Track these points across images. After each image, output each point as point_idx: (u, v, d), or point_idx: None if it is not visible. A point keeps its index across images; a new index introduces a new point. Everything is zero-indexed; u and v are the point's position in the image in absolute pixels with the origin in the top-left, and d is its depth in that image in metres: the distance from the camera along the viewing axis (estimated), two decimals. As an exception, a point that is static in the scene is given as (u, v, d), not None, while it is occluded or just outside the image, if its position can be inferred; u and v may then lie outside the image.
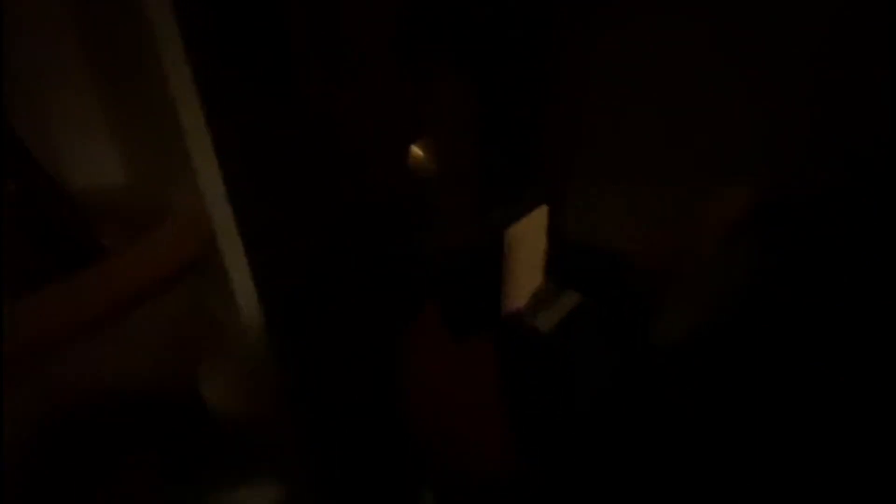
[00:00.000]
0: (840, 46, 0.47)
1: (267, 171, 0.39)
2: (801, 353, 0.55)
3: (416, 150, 0.42)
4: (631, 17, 0.53)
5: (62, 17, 0.40)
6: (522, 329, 0.48)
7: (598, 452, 0.48)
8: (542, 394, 0.49)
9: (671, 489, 0.47)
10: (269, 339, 0.42)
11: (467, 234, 0.44)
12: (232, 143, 0.37)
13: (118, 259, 0.26)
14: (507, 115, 0.49)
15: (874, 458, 0.46)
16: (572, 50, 0.54)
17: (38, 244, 0.29)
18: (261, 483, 0.51)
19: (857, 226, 0.50)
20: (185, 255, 0.30)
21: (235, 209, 0.39)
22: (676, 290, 0.60)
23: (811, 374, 0.54)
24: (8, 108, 0.32)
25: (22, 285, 0.27)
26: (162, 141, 0.37)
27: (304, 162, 0.39)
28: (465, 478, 0.35)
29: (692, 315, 0.62)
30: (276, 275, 0.41)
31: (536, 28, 0.52)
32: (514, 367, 0.50)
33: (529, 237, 0.47)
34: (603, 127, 0.61)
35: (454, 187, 0.46)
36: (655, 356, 0.55)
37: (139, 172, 0.39)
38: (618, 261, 0.59)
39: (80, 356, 0.28)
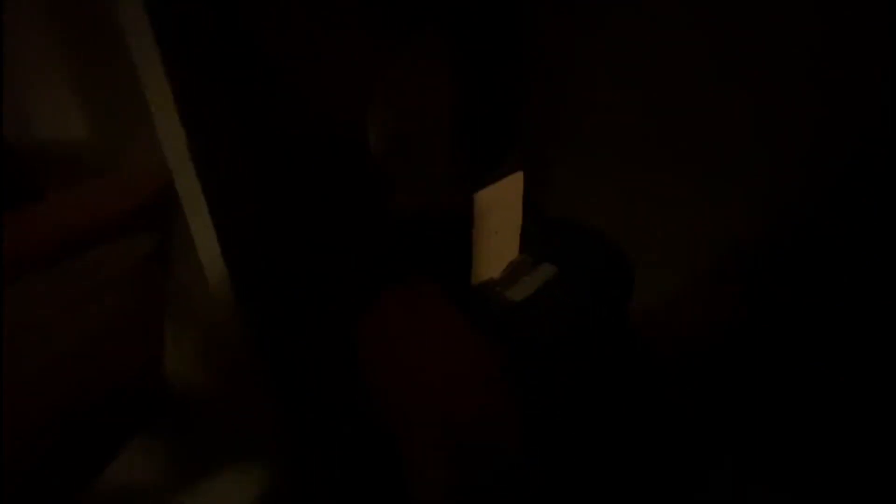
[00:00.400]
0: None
1: (231, 125, 0.38)
2: (789, 326, 0.55)
3: (375, 117, 0.42)
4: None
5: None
6: (493, 299, 0.48)
7: (575, 428, 0.48)
8: (514, 365, 0.49)
9: (652, 469, 0.47)
10: (236, 301, 0.42)
11: (436, 199, 0.44)
12: (194, 96, 0.36)
13: (55, 200, 0.25)
14: (485, 68, 0.48)
15: (869, 457, 0.45)
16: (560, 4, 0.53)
17: None
18: (237, 467, 0.50)
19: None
20: (134, 203, 0.29)
21: (198, 166, 0.38)
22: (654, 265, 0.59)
23: (803, 349, 0.53)
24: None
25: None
26: (119, 94, 0.36)
27: (269, 115, 0.38)
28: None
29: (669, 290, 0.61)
30: (240, 234, 0.40)
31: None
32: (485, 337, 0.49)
33: (502, 204, 0.46)
34: (592, 89, 0.61)
35: (423, 149, 0.45)
36: (633, 331, 0.55)
37: (94, 125, 0.38)
38: (597, 235, 0.58)
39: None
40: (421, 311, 0.37)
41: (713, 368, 0.58)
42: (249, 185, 0.40)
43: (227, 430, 0.49)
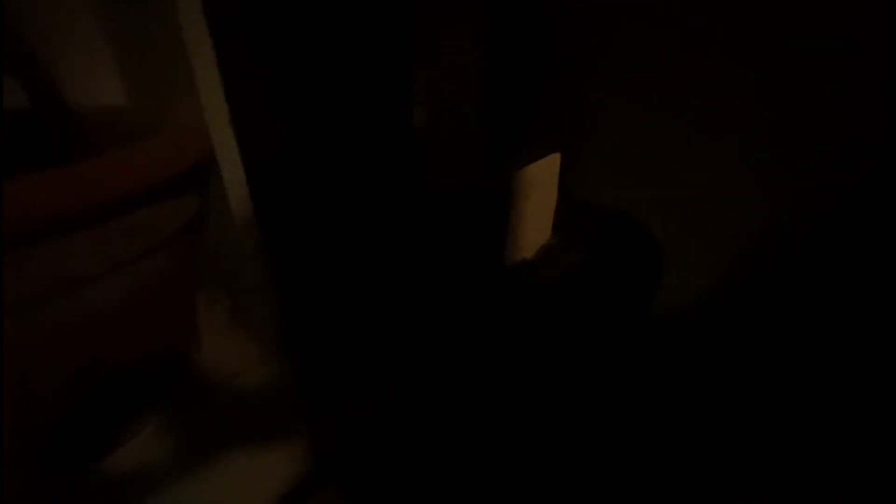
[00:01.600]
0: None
1: (268, 96, 0.38)
2: (809, 319, 0.54)
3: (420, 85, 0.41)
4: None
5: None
6: (527, 280, 0.47)
7: (600, 409, 0.47)
8: (543, 346, 0.48)
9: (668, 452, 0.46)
10: (269, 270, 0.42)
11: (474, 176, 0.43)
12: (236, 65, 0.36)
13: (105, 159, 0.25)
14: (522, 51, 0.47)
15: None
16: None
17: (37, 150, 0.28)
18: (262, 447, 0.50)
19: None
20: (179, 166, 0.29)
21: (238, 133, 0.38)
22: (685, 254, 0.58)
23: (821, 342, 0.52)
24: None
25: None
26: (166, 62, 0.36)
27: (307, 88, 0.38)
28: None
29: (700, 279, 0.60)
30: (276, 204, 0.40)
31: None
32: (517, 320, 0.49)
33: (539, 185, 0.45)
34: (626, 78, 0.59)
35: (461, 125, 0.44)
36: (660, 318, 0.54)
37: (141, 93, 0.39)
38: (628, 221, 0.57)
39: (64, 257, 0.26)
40: None
41: (718, 334, 0.57)
42: (286, 155, 0.40)
43: (251, 409, 0.49)
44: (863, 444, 0.48)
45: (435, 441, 0.47)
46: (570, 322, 0.48)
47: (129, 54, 0.40)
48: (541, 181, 0.47)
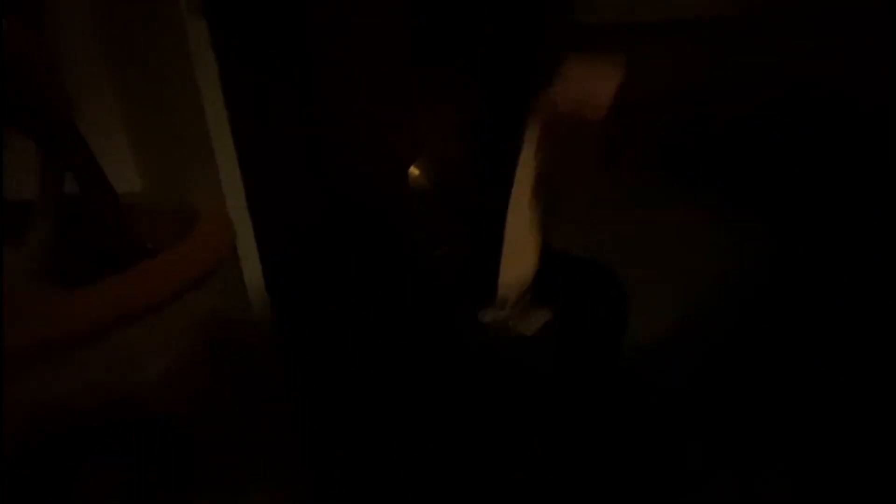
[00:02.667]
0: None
1: (281, 178, 0.43)
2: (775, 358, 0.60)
3: (413, 169, 0.47)
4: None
5: (91, 25, 0.44)
6: (507, 333, 0.53)
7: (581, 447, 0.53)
8: (526, 394, 0.54)
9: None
10: (277, 336, 0.46)
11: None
12: (252, 151, 0.41)
13: (166, 257, 0.30)
14: (502, 132, 0.54)
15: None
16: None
17: (93, 240, 0.33)
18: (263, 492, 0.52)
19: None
20: (217, 255, 0.34)
21: (252, 213, 0.43)
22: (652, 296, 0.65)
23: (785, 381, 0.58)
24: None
25: (73, 280, 0.31)
26: (186, 147, 0.42)
27: (315, 171, 0.44)
28: None
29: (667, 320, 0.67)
30: (285, 274, 0.45)
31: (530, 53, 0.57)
32: (502, 369, 0.54)
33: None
34: None
35: (449, 201, 0.50)
36: (631, 360, 0.60)
37: (166, 176, 0.43)
38: (597, 269, 0.64)
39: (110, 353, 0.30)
40: None
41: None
42: (296, 230, 0.45)
43: (256, 461, 0.52)
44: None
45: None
46: (544, 367, 0.54)
47: (151, 136, 0.45)
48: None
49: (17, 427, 0.27)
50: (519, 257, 0.53)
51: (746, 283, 0.65)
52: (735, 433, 0.57)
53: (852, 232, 0.56)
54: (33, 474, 0.30)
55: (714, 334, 0.67)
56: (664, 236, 0.68)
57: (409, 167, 0.44)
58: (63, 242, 0.33)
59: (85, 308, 0.27)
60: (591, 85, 0.44)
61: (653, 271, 0.70)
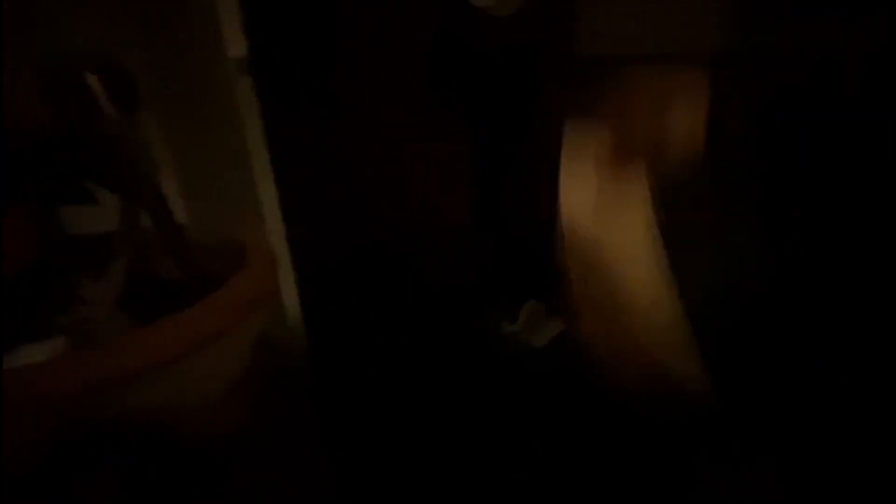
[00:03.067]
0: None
1: (318, 212, 0.49)
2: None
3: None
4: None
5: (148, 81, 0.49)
6: (519, 345, 0.58)
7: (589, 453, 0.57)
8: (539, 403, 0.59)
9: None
10: (311, 357, 0.51)
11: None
12: (291, 189, 0.47)
13: (227, 290, 0.35)
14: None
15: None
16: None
17: (162, 271, 0.38)
18: None
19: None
20: (266, 286, 0.39)
21: (291, 244, 0.48)
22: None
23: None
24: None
25: (144, 308, 0.36)
26: (232, 183, 0.47)
27: (348, 206, 0.49)
28: None
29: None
30: (321, 302, 0.50)
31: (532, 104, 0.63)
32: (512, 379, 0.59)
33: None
34: None
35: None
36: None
37: (211, 214, 0.48)
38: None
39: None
40: None
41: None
42: (330, 261, 0.50)
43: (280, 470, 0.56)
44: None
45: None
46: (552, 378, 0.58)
47: (199, 179, 0.50)
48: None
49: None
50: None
51: (746, 284, 0.69)
52: (734, 432, 0.61)
53: (853, 235, 0.60)
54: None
55: (713, 336, 0.71)
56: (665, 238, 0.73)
57: (432, 206, 0.50)
58: (136, 274, 0.38)
59: (161, 338, 0.32)
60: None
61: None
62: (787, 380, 0.60)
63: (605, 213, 0.52)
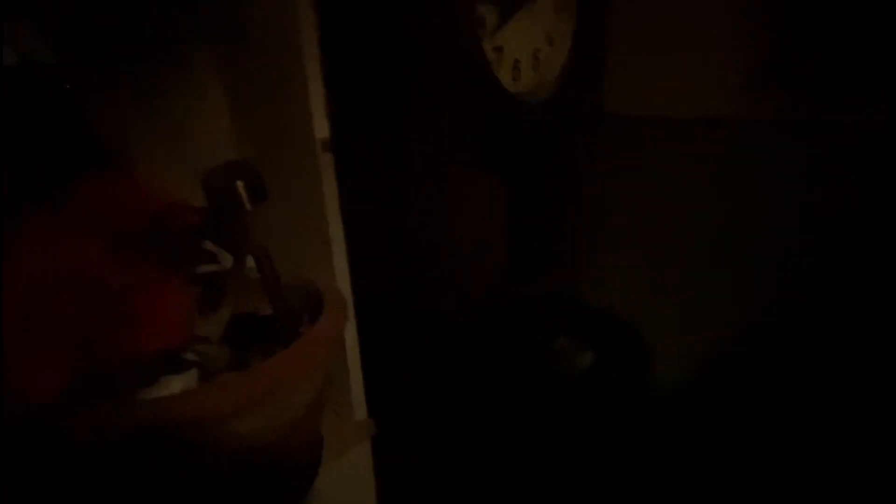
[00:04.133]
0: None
1: (378, 258, 0.58)
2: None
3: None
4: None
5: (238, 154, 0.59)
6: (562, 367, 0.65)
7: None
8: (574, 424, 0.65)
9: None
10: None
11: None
12: (358, 236, 0.56)
13: (318, 329, 0.44)
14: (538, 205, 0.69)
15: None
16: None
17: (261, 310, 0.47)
18: None
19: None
20: (344, 325, 0.48)
21: (354, 290, 0.57)
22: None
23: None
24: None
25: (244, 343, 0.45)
26: (312, 242, 0.56)
27: (402, 252, 0.58)
28: None
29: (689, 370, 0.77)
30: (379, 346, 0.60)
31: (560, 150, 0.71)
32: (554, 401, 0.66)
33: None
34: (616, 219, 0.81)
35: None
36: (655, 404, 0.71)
37: (294, 261, 0.58)
38: (624, 325, 0.75)
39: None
40: None
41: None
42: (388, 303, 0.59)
43: None
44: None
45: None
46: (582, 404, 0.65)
47: (281, 233, 0.60)
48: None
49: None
50: None
51: (767, 332, 0.74)
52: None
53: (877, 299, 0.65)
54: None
55: (735, 379, 0.76)
56: (689, 285, 0.80)
57: (477, 249, 0.58)
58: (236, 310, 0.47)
59: (274, 371, 0.41)
60: None
61: (677, 320, 0.81)
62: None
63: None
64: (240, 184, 0.37)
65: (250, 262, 0.46)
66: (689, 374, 0.79)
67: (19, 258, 0.31)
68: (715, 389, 0.80)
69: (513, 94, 0.54)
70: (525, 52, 0.59)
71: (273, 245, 0.49)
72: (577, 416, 0.61)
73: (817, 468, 0.59)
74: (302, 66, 0.50)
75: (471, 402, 0.64)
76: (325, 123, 0.52)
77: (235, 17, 0.54)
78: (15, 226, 0.34)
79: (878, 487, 0.54)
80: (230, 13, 0.53)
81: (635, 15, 0.80)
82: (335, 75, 0.49)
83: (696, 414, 0.76)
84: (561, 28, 0.65)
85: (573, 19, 0.66)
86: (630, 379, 0.67)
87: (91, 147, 0.46)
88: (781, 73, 0.70)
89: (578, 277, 0.82)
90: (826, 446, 0.60)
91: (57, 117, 0.46)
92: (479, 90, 0.52)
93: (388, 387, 0.64)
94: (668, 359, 0.74)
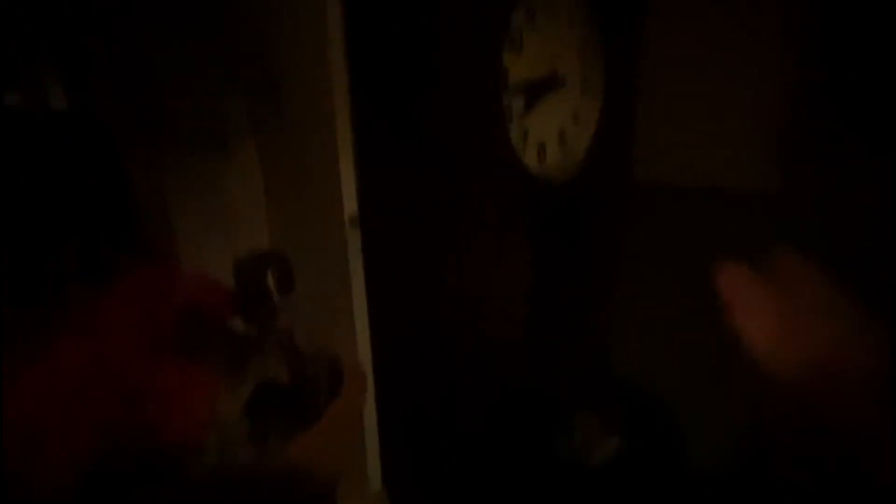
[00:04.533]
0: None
1: (400, 334, 0.58)
2: None
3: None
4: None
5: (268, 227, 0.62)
6: (578, 462, 0.62)
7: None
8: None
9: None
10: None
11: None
12: (382, 310, 0.56)
13: (343, 402, 0.44)
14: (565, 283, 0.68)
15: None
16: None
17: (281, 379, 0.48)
18: None
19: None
20: (364, 399, 0.48)
21: (374, 357, 0.57)
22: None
23: None
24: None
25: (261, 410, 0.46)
26: (335, 314, 0.57)
27: (426, 322, 0.58)
28: None
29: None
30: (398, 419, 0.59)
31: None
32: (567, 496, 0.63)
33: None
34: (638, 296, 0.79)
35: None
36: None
37: (315, 330, 0.59)
38: (654, 403, 0.72)
39: None
40: None
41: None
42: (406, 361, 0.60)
43: None
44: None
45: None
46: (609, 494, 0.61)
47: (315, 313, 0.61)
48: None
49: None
50: None
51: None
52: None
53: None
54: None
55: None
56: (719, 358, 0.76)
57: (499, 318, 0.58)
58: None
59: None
60: None
61: (713, 400, 0.77)
62: None
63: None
64: (270, 275, 0.38)
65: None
66: (725, 462, 0.74)
67: (57, 346, 0.33)
68: (756, 476, 0.75)
69: (537, 176, 0.55)
70: (551, 134, 0.60)
71: (297, 314, 0.51)
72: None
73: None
74: (335, 144, 0.52)
75: (488, 482, 0.62)
76: (353, 201, 0.54)
77: (276, 100, 0.57)
78: (58, 307, 0.36)
79: None
80: (270, 97, 0.56)
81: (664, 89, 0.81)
82: (365, 159, 0.51)
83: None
84: (587, 105, 0.66)
85: (600, 97, 0.67)
86: (659, 468, 0.64)
87: (134, 222, 0.49)
88: (814, 147, 0.69)
89: (607, 352, 0.79)
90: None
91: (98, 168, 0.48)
92: (504, 174, 0.53)
93: (405, 460, 0.63)
94: (701, 443, 0.69)
